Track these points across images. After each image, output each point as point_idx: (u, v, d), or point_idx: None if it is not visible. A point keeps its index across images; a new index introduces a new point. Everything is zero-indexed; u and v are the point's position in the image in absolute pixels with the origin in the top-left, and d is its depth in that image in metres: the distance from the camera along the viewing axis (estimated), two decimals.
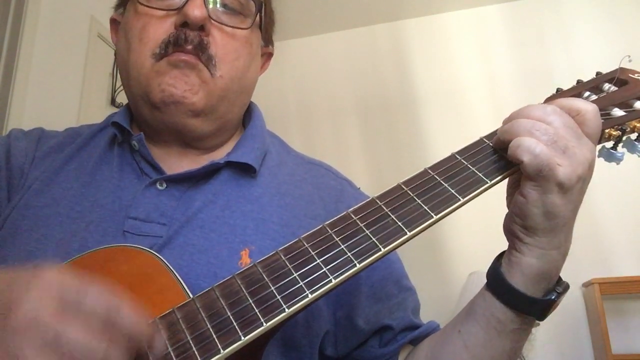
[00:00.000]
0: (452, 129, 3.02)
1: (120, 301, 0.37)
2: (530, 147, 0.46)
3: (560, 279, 0.52)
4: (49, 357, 0.33)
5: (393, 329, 0.64)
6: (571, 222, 0.49)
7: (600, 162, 0.56)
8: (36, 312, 0.34)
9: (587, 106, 0.50)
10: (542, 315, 0.51)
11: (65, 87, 2.28)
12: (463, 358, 0.55)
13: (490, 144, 0.52)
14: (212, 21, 0.63)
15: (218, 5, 0.64)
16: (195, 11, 0.60)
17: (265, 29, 0.73)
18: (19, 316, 0.34)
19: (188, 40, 0.61)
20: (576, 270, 2.63)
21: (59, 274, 0.36)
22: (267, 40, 0.75)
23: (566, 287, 0.52)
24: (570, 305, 2.66)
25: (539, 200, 0.47)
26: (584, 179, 0.48)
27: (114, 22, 0.72)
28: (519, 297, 0.50)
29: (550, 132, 0.47)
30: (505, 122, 0.51)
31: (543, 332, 2.62)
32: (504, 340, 0.53)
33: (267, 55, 0.77)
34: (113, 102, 2.56)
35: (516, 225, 0.50)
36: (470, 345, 0.54)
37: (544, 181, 0.46)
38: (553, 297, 0.50)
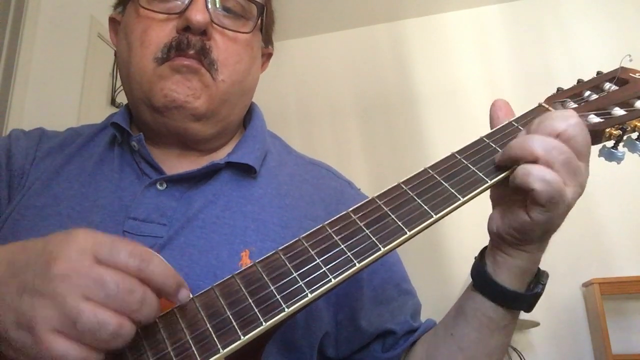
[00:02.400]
0: (452, 128, 3.02)
1: (150, 255, 0.40)
2: (539, 175, 0.44)
3: (539, 269, 0.54)
4: (92, 299, 0.36)
5: (396, 334, 0.65)
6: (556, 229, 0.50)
7: (601, 162, 0.56)
8: (75, 263, 0.37)
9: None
10: (530, 308, 0.53)
11: (65, 87, 2.28)
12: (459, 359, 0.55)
13: (491, 143, 0.51)
14: (214, 25, 0.63)
15: (220, 9, 0.64)
16: (198, 16, 0.60)
17: (266, 30, 0.72)
18: (60, 266, 0.37)
19: (190, 45, 0.61)
20: (576, 270, 2.63)
21: (92, 233, 0.40)
22: (267, 40, 0.75)
23: (546, 276, 0.54)
24: (570, 305, 2.65)
25: (545, 223, 0.47)
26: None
27: (112, 21, 0.72)
28: (509, 294, 0.51)
29: (565, 151, 0.45)
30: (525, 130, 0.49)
31: (543, 332, 2.62)
32: (497, 337, 0.54)
33: (267, 55, 0.77)
34: (113, 102, 2.56)
35: (509, 236, 0.50)
36: (464, 347, 0.55)
37: (554, 207, 0.45)
38: (539, 290, 0.52)
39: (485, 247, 0.55)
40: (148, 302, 0.39)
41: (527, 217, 0.47)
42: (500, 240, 0.51)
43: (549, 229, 0.48)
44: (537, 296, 0.52)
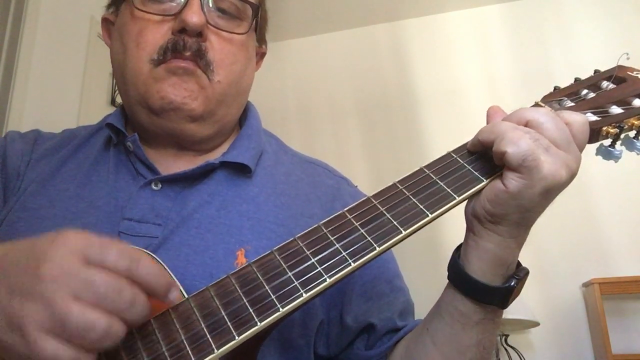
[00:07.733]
0: (452, 129, 3.01)
1: (140, 255, 0.40)
2: (514, 138, 0.45)
3: (519, 264, 0.52)
4: (81, 300, 0.36)
5: (377, 331, 0.64)
6: (534, 222, 0.50)
7: (599, 162, 0.55)
8: (64, 264, 0.37)
9: (577, 117, 0.50)
10: (504, 304, 0.51)
11: (65, 87, 2.28)
12: (433, 355, 0.55)
13: None
14: (210, 26, 0.63)
15: (215, 10, 0.64)
16: (194, 18, 0.60)
17: (260, 30, 0.72)
18: (49, 267, 0.37)
19: (186, 47, 0.61)
20: (576, 270, 2.62)
21: (81, 233, 0.40)
22: (261, 40, 0.75)
23: (526, 272, 0.52)
24: (570, 305, 2.65)
25: (519, 193, 0.46)
26: (564, 184, 0.47)
27: (105, 21, 0.71)
28: (479, 287, 0.50)
29: (532, 132, 0.47)
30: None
31: (543, 332, 2.62)
32: (470, 333, 0.52)
33: (260, 55, 0.77)
34: (113, 102, 2.56)
35: (483, 210, 0.49)
36: (437, 342, 0.54)
37: (527, 172, 0.45)
38: (512, 284, 0.50)
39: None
40: (137, 302, 0.39)
41: (502, 186, 0.47)
42: (474, 218, 0.50)
43: (524, 207, 0.47)
44: (510, 290, 0.50)
